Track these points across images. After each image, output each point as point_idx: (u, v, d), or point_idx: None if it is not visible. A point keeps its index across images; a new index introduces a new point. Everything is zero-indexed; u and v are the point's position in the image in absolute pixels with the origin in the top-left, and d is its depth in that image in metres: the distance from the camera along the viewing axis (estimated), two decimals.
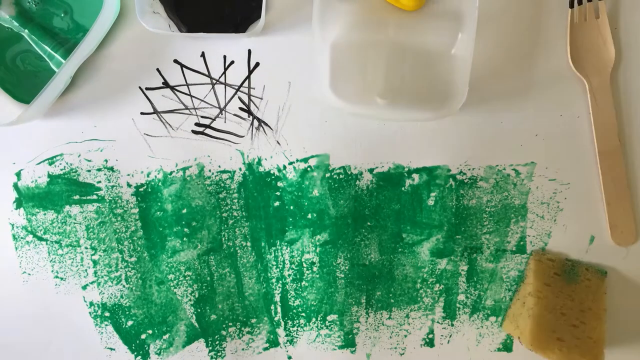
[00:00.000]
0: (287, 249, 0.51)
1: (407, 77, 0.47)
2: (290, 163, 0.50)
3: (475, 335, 0.51)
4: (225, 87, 0.50)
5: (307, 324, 0.51)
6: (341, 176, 0.50)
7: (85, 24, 0.50)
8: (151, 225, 0.51)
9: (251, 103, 0.50)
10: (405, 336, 0.51)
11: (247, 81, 0.50)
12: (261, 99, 0.50)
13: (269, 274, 0.51)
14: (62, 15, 0.50)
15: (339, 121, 0.50)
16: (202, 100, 0.50)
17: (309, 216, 0.50)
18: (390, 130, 0.50)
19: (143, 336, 0.52)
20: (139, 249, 0.51)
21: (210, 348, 0.52)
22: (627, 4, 0.49)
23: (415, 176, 0.50)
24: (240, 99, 0.50)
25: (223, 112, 0.50)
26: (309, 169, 0.50)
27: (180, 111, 0.50)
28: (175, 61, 0.50)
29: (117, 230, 0.51)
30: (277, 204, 0.51)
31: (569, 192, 0.50)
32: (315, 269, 0.51)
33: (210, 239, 0.51)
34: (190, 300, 0.51)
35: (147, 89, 0.50)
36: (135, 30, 0.50)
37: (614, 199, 0.49)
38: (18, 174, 0.51)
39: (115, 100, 0.50)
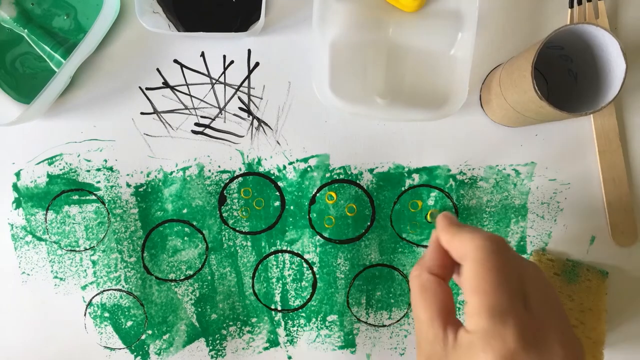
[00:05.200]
0: (287, 249, 0.51)
1: (407, 77, 0.47)
2: (290, 163, 0.50)
3: None
4: (224, 87, 0.50)
5: (307, 324, 0.51)
6: (341, 176, 0.50)
7: (87, 25, 0.50)
8: (152, 225, 0.51)
9: (251, 103, 0.50)
10: (405, 336, 0.51)
11: (246, 81, 0.50)
12: (261, 98, 0.50)
13: (269, 274, 0.51)
14: (65, 17, 0.50)
15: (339, 121, 0.50)
16: (201, 100, 0.50)
17: (309, 216, 0.50)
18: (390, 130, 0.50)
19: (143, 336, 0.52)
20: (138, 249, 0.51)
21: (211, 347, 0.52)
22: (626, 4, 0.49)
23: (415, 176, 0.50)
24: (240, 98, 0.50)
25: (223, 112, 0.50)
26: (309, 169, 0.50)
27: (180, 111, 0.50)
28: (175, 61, 0.50)
29: (117, 231, 0.51)
30: (277, 204, 0.51)
31: (569, 192, 0.50)
32: (315, 269, 0.51)
33: (211, 238, 0.51)
34: (190, 299, 0.51)
35: (147, 89, 0.50)
36: (135, 30, 0.50)
37: (615, 199, 0.49)
38: (17, 174, 0.51)
39: (115, 100, 0.50)
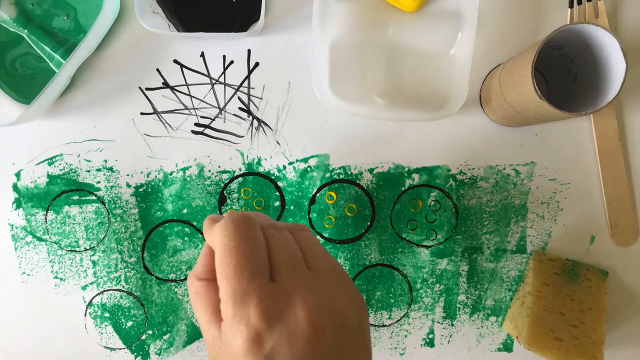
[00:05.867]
0: None
1: (407, 77, 0.47)
2: (290, 163, 0.50)
3: (475, 335, 0.51)
4: (224, 87, 0.50)
5: None
6: (341, 176, 0.50)
7: (87, 25, 0.50)
8: (152, 225, 0.51)
9: (251, 103, 0.50)
10: (405, 336, 0.51)
11: (246, 81, 0.50)
12: (261, 99, 0.50)
13: None
14: (65, 17, 0.50)
15: (339, 121, 0.50)
16: (201, 100, 0.50)
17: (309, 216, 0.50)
18: (390, 130, 0.50)
19: (143, 336, 0.52)
20: (138, 249, 0.51)
21: None
22: (626, 3, 0.49)
23: (415, 176, 0.50)
24: (239, 99, 0.50)
25: (223, 112, 0.50)
26: (309, 169, 0.50)
27: (180, 111, 0.50)
28: (175, 61, 0.50)
29: (117, 231, 0.51)
30: (277, 204, 0.51)
31: (569, 192, 0.50)
32: None
33: None
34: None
35: (147, 89, 0.50)
36: (135, 30, 0.50)
37: (615, 198, 0.49)
38: (17, 175, 0.51)
39: (115, 100, 0.50)
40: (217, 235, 0.29)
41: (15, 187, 0.51)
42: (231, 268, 0.27)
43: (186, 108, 0.50)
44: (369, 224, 0.50)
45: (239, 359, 0.26)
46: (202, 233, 0.51)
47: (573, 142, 0.49)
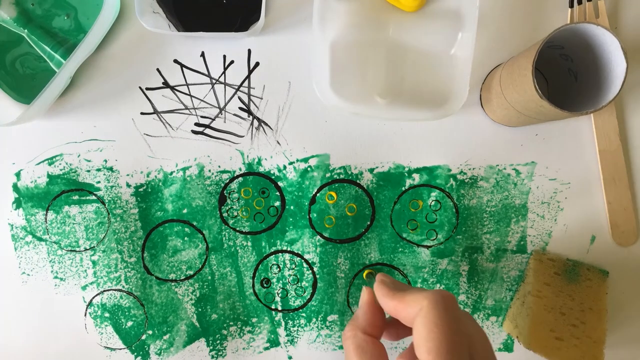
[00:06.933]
0: (287, 249, 0.51)
1: (407, 77, 0.47)
2: (291, 163, 0.50)
3: None
4: (225, 87, 0.50)
5: (308, 324, 0.51)
6: (341, 176, 0.50)
7: (87, 25, 0.50)
8: (152, 225, 0.51)
9: (251, 103, 0.50)
10: None
11: (247, 81, 0.50)
12: (261, 98, 0.50)
13: (269, 274, 0.51)
14: (65, 17, 0.50)
15: (339, 121, 0.50)
16: (202, 100, 0.50)
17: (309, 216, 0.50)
18: (390, 130, 0.50)
19: (143, 336, 0.52)
20: (138, 249, 0.51)
21: (211, 347, 0.52)
22: (627, 3, 0.49)
23: (416, 176, 0.50)
24: (240, 98, 0.50)
25: (223, 112, 0.50)
26: (309, 169, 0.50)
27: (180, 111, 0.50)
28: (175, 61, 0.50)
29: (117, 231, 0.51)
30: (277, 203, 0.51)
31: (569, 192, 0.50)
32: (315, 269, 0.51)
33: (211, 238, 0.51)
34: (191, 299, 0.51)
35: (147, 89, 0.50)
36: (135, 30, 0.50)
37: (615, 198, 0.49)
38: (17, 174, 0.51)
39: (115, 100, 0.50)
40: (425, 309, 0.28)
41: (15, 187, 0.51)
42: (444, 347, 0.27)
43: (186, 108, 0.50)
44: (369, 223, 0.50)
45: None
46: (202, 233, 0.51)
47: (573, 142, 0.49)
